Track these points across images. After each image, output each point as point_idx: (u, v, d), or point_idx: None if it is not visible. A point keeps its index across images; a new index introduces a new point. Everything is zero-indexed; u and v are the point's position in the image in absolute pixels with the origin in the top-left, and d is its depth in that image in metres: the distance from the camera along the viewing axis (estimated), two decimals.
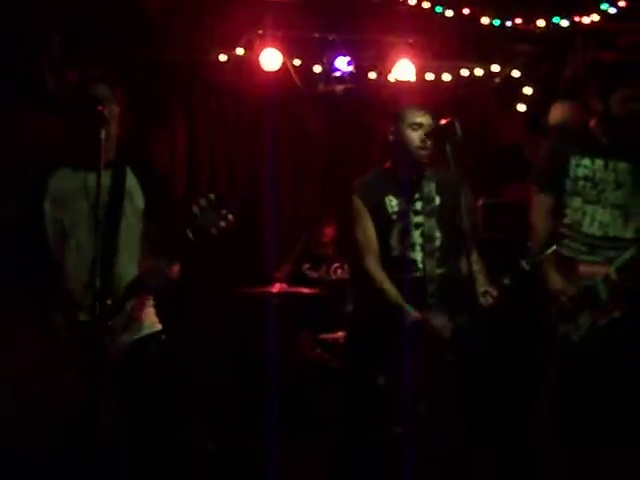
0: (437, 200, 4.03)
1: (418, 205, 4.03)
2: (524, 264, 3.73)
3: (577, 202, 3.94)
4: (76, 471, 3.31)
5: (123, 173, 3.46)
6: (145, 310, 3.54)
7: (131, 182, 3.48)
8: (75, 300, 3.36)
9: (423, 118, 3.99)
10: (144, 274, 3.41)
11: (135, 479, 3.40)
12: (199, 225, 3.21)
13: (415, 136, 3.97)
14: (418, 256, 3.99)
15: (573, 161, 3.93)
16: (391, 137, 4.07)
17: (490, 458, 4.57)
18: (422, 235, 4.00)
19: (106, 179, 3.37)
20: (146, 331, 3.52)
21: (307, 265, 6.24)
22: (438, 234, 4.01)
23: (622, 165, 3.91)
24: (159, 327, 3.60)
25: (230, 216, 3.23)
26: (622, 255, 3.86)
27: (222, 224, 3.22)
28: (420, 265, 3.98)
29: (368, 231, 4.03)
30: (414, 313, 3.86)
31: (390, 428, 3.90)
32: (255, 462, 4.95)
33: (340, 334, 5.67)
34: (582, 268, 3.89)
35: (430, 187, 4.03)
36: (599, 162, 3.91)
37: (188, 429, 5.17)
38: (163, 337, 3.57)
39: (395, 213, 4.01)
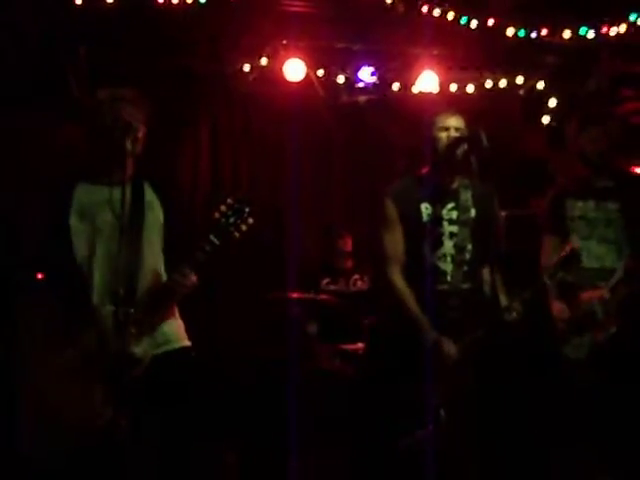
0: (472, 211, 3.97)
1: (453, 214, 3.97)
2: (545, 278, 3.90)
3: (575, 240, 4.24)
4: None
5: (142, 188, 3.53)
6: (173, 323, 3.55)
7: (150, 196, 3.55)
8: (100, 309, 3.38)
9: (452, 120, 3.96)
10: (166, 285, 3.43)
11: None
12: (222, 229, 3.31)
13: (445, 137, 3.94)
14: (449, 268, 3.94)
15: (569, 204, 4.32)
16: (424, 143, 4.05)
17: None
18: (455, 246, 3.94)
19: (127, 192, 3.41)
20: (173, 345, 3.52)
21: (326, 280, 6.20)
22: (470, 246, 3.95)
23: (610, 205, 4.27)
24: (188, 343, 3.60)
25: (251, 219, 3.34)
26: (613, 277, 4.16)
27: (244, 227, 3.33)
28: (449, 277, 3.93)
29: (396, 239, 3.98)
30: (432, 335, 3.83)
31: (409, 439, 3.86)
32: (275, 473, 4.93)
33: (360, 345, 5.63)
34: (583, 295, 4.20)
35: (467, 196, 3.97)
36: (590, 203, 4.30)
37: (209, 440, 5.16)
38: (193, 354, 3.59)
39: (430, 221, 3.95)
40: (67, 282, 3.46)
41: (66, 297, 3.44)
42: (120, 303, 3.28)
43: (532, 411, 4.67)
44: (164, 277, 3.50)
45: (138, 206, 3.48)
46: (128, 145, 3.39)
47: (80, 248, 3.45)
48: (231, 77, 6.44)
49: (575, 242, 4.18)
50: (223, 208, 3.34)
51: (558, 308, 4.26)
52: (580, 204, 4.33)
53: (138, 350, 3.34)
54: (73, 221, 3.47)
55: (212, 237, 3.32)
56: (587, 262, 4.24)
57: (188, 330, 3.66)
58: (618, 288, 4.16)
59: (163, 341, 3.47)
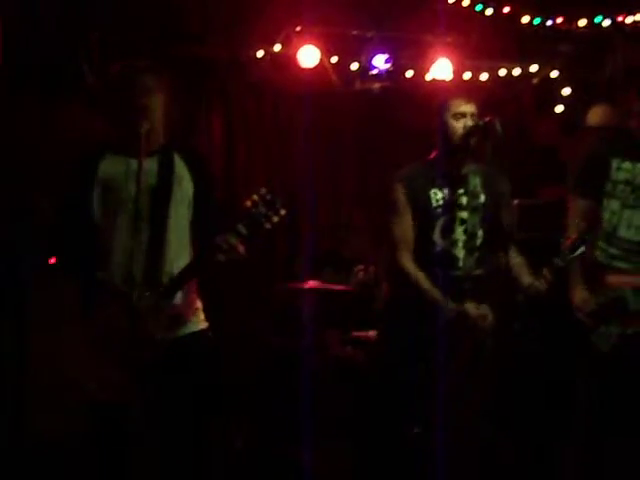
0: (482, 197, 3.96)
1: (463, 200, 3.96)
2: (558, 261, 3.69)
3: (615, 205, 3.94)
4: (106, 460, 3.35)
5: (171, 159, 3.42)
6: (192, 306, 3.49)
7: (180, 168, 3.43)
8: (120, 285, 3.31)
9: (467, 107, 3.93)
10: (195, 262, 3.34)
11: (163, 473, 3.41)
12: (253, 220, 3.19)
13: (459, 125, 3.91)
14: (460, 253, 3.94)
15: (614, 164, 3.92)
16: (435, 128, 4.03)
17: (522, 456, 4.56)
18: (465, 232, 3.94)
19: (153, 164, 3.36)
20: (192, 328, 3.46)
21: (328, 269, 6.18)
22: (480, 232, 3.95)
23: None
24: (205, 325, 3.53)
25: (283, 211, 3.21)
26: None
27: (275, 219, 3.20)
28: (460, 263, 3.93)
29: (406, 225, 3.97)
30: (453, 307, 3.83)
31: (421, 426, 3.86)
32: (284, 460, 4.95)
33: (372, 333, 5.63)
34: (611, 278, 3.88)
35: (476, 182, 3.96)
36: (639, 166, 3.91)
37: (218, 426, 5.18)
38: (210, 334, 3.52)
39: (440, 207, 3.95)
40: (88, 261, 3.39)
41: (86, 276, 3.38)
42: (136, 286, 3.23)
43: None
44: (189, 253, 3.43)
45: (166, 179, 3.38)
46: (141, 117, 3.30)
47: (102, 222, 3.37)
48: (245, 63, 6.42)
49: (615, 208, 3.90)
50: (255, 197, 3.20)
51: (580, 298, 3.93)
52: (628, 165, 3.92)
53: (159, 336, 3.28)
54: (97, 193, 3.37)
55: (240, 227, 3.19)
56: (624, 232, 3.91)
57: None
58: None
59: (182, 322, 3.41)
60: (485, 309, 3.83)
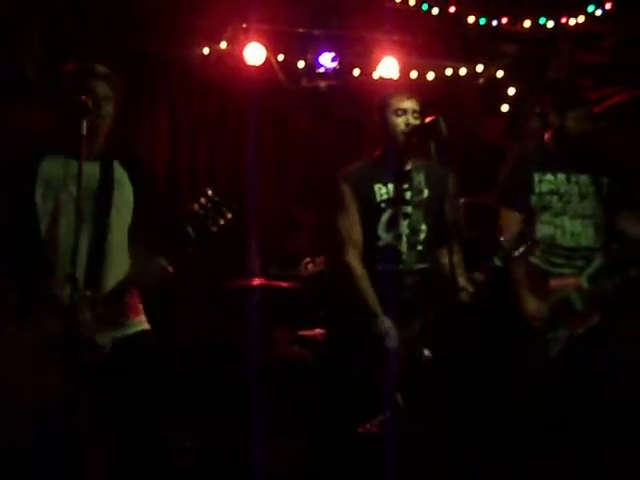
0: (426, 192, 3.99)
1: (407, 195, 3.99)
2: (496, 260, 3.74)
3: (546, 216, 4.17)
4: (51, 467, 3.27)
5: (111, 165, 3.44)
6: (134, 307, 3.49)
7: (119, 174, 3.45)
8: (61, 287, 3.29)
9: (408, 103, 3.95)
10: (137, 272, 3.36)
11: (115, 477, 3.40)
12: (199, 222, 3.23)
13: (400, 121, 3.93)
14: (403, 247, 3.96)
15: (536, 178, 4.19)
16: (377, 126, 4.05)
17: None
18: (409, 226, 3.96)
19: (95, 169, 3.37)
20: (134, 329, 3.47)
21: (273, 267, 6.16)
22: (424, 227, 3.98)
23: (583, 177, 4.19)
24: (148, 326, 3.54)
25: (229, 214, 3.29)
26: (592, 264, 4.07)
27: (221, 221, 3.28)
28: (404, 257, 3.95)
29: (352, 221, 3.98)
30: (385, 325, 3.83)
31: (369, 422, 3.86)
32: (234, 459, 4.92)
33: (318, 331, 5.63)
34: (553, 282, 4.08)
35: (419, 178, 3.98)
36: (561, 176, 4.19)
37: (168, 427, 5.13)
38: (153, 337, 3.54)
39: (384, 201, 3.97)
40: (28, 262, 3.36)
41: (25, 278, 3.35)
42: (78, 286, 3.18)
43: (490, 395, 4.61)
44: (134, 263, 3.42)
45: (106, 184, 3.39)
46: (94, 120, 3.31)
47: (44, 223, 3.35)
48: (190, 61, 6.37)
49: (546, 218, 4.12)
50: (203, 200, 3.25)
51: (534, 306, 4.11)
52: (549, 177, 4.19)
53: (101, 338, 3.28)
54: (38, 195, 3.36)
55: (189, 229, 3.23)
56: (561, 239, 4.13)
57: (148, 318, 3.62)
58: (599, 279, 4.04)
59: (124, 325, 3.42)
60: (413, 331, 3.81)
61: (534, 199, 4.18)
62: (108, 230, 3.37)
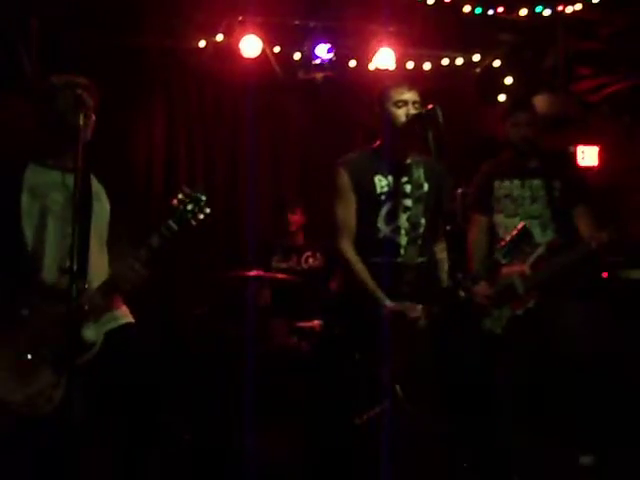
0: (425, 186, 3.96)
1: (407, 188, 3.95)
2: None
3: (500, 218, 4.60)
4: (46, 463, 3.34)
5: (88, 178, 3.55)
6: (116, 301, 3.57)
7: (96, 187, 3.58)
8: (49, 288, 3.38)
9: (408, 94, 3.91)
10: (117, 276, 3.45)
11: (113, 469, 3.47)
12: (180, 217, 3.41)
13: (401, 113, 3.89)
14: (403, 241, 3.93)
15: (496, 184, 4.63)
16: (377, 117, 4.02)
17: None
18: (408, 220, 3.93)
19: (73, 180, 3.42)
20: (120, 321, 3.55)
21: (276, 257, 6.16)
22: (423, 221, 3.95)
23: (536, 182, 4.56)
24: (132, 319, 3.63)
25: (208, 209, 3.47)
26: (534, 253, 4.42)
27: (201, 215, 3.46)
28: (402, 251, 3.92)
29: (349, 210, 3.94)
30: (388, 304, 3.83)
31: (366, 413, 3.86)
32: (230, 450, 4.92)
33: (316, 322, 5.63)
34: (504, 269, 4.35)
35: (419, 172, 3.96)
36: (516, 182, 4.59)
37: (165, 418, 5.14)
38: (136, 328, 3.62)
39: (384, 194, 3.92)
40: (15, 263, 3.43)
41: (12, 279, 3.42)
42: (73, 278, 3.21)
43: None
44: (107, 270, 3.54)
45: (86, 195, 3.50)
46: (82, 129, 3.35)
47: (30, 227, 3.44)
48: (186, 53, 6.38)
49: (500, 220, 4.54)
50: (181, 196, 3.44)
51: (480, 286, 4.35)
52: (506, 184, 4.62)
53: (90, 334, 3.37)
54: (24, 200, 3.45)
55: (171, 222, 3.41)
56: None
57: (144, 311, 3.67)
58: (539, 264, 4.42)
59: (107, 319, 3.50)
60: (419, 311, 3.82)
61: (494, 204, 4.63)
62: (90, 234, 3.48)
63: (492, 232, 4.62)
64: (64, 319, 3.20)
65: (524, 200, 4.57)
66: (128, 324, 3.59)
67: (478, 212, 4.71)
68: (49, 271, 3.40)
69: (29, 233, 3.43)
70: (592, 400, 4.45)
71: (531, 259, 4.43)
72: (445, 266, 4.00)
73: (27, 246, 3.43)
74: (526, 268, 4.43)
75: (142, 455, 3.52)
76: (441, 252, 4.02)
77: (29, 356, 3.32)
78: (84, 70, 5.62)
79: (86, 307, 3.33)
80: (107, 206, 3.61)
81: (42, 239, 3.43)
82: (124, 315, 3.60)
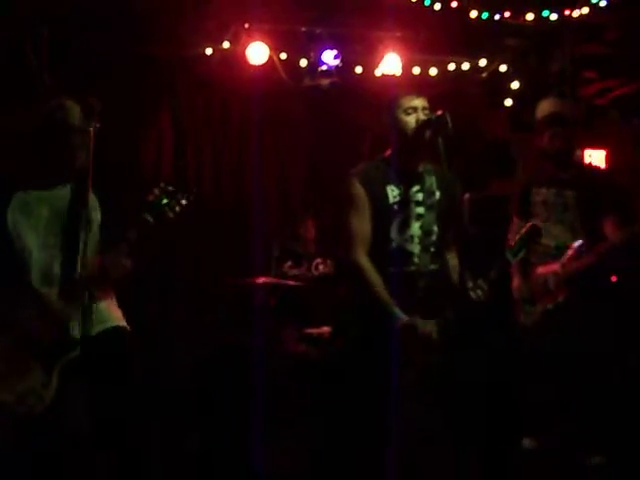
0: (437, 194, 3.96)
1: (420, 196, 3.95)
2: (509, 256, 4.04)
3: (536, 222, 4.48)
4: (44, 470, 3.42)
5: (84, 189, 3.59)
6: (109, 305, 3.68)
7: (91, 199, 3.61)
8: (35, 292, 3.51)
9: (417, 101, 3.91)
10: (101, 266, 3.54)
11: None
12: (156, 209, 3.57)
13: (411, 120, 3.89)
14: (416, 249, 3.93)
15: (534, 191, 4.91)
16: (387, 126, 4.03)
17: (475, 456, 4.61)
18: (421, 228, 3.94)
19: (66, 192, 3.63)
20: (110, 324, 3.63)
21: (288, 263, 6.15)
22: (436, 229, 3.95)
23: (569, 193, 4.81)
24: (124, 324, 3.72)
25: (184, 201, 3.64)
26: (565, 254, 4.73)
27: (177, 208, 3.62)
28: (416, 259, 3.92)
29: (364, 221, 3.93)
30: (402, 317, 3.82)
31: (375, 424, 3.86)
32: (240, 458, 4.92)
33: (325, 329, 5.62)
34: (539, 269, 4.80)
35: (431, 180, 3.95)
36: (552, 190, 4.86)
37: (171, 428, 5.14)
38: (127, 333, 3.70)
39: (397, 203, 3.92)
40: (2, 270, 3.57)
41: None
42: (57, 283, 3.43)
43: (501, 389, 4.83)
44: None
45: (77, 206, 3.59)
46: (77, 148, 3.58)
47: (17, 240, 3.58)
48: (193, 61, 6.39)
49: (535, 222, 4.46)
50: (156, 191, 3.60)
51: (516, 282, 4.89)
52: (543, 191, 4.88)
53: (76, 332, 3.45)
54: (10, 214, 3.59)
55: (146, 216, 3.56)
56: (545, 240, 4.68)
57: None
58: (568, 263, 4.70)
59: (98, 320, 3.56)
60: (432, 325, 3.83)
61: (531, 207, 4.91)
62: (78, 247, 3.56)
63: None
64: (51, 318, 3.40)
65: (556, 207, 4.85)
66: (118, 327, 3.66)
67: (517, 216, 4.97)
68: (35, 277, 3.54)
69: (17, 245, 3.58)
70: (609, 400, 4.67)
71: (563, 259, 4.72)
72: (456, 273, 4.00)
73: (15, 257, 3.56)
74: (558, 267, 4.73)
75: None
76: (453, 259, 4.02)
77: (18, 355, 3.41)
78: (93, 77, 5.71)
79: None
80: (98, 216, 3.68)
81: (28, 252, 3.57)
82: (116, 319, 3.69)
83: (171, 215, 3.60)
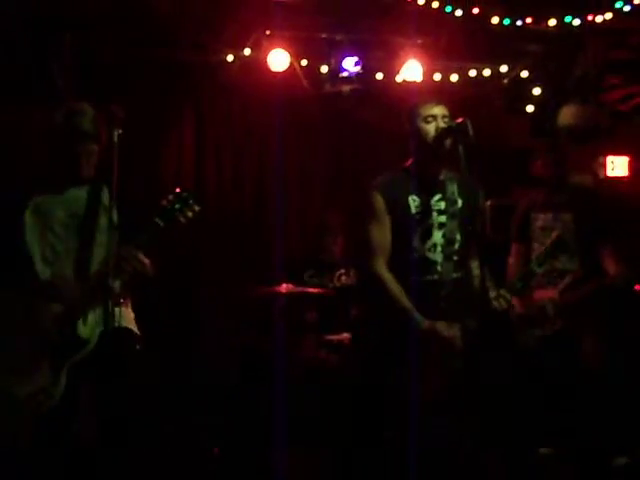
0: (459, 202, 3.96)
1: (442, 205, 3.96)
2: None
3: (535, 247, 4.98)
4: (55, 470, 3.52)
5: (99, 191, 3.75)
6: (125, 308, 3.78)
7: (107, 200, 3.67)
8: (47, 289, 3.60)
9: (437, 109, 3.92)
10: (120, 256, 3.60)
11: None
12: (168, 214, 3.65)
13: (431, 128, 3.90)
14: (438, 258, 3.93)
15: (533, 216, 5.07)
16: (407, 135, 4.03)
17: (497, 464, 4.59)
18: (444, 236, 3.94)
19: (82, 194, 3.72)
20: (124, 323, 3.72)
21: (310, 272, 6.13)
22: (458, 237, 3.95)
23: (566, 216, 4.94)
24: (134, 327, 3.82)
25: (197, 207, 3.71)
26: (563, 281, 4.87)
27: (189, 214, 3.69)
28: (439, 268, 3.92)
29: (385, 231, 3.94)
30: (423, 322, 3.81)
31: (396, 432, 3.85)
32: (259, 463, 4.92)
33: (345, 335, 5.61)
34: (537, 293, 4.89)
35: (453, 188, 3.95)
36: (549, 214, 5.01)
37: (192, 431, 5.15)
38: (138, 347, 3.77)
39: (419, 213, 3.94)
40: (17, 271, 3.66)
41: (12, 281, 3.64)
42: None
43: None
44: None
45: (93, 208, 3.71)
46: (80, 155, 3.70)
47: (32, 243, 3.66)
48: (215, 67, 6.41)
49: (535, 248, 4.93)
50: (170, 197, 3.68)
51: (514, 305, 4.79)
52: (541, 216, 5.05)
53: (85, 332, 3.56)
54: (27, 217, 3.68)
55: (157, 219, 3.64)
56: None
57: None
58: (566, 292, 4.85)
59: (115, 318, 3.57)
60: (456, 329, 3.81)
61: (531, 234, 5.08)
62: (92, 250, 3.68)
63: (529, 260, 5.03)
64: (60, 317, 3.51)
65: (554, 231, 4.85)
66: (126, 329, 3.74)
67: (518, 241, 5.14)
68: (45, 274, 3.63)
69: (31, 248, 3.66)
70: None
71: (560, 286, 4.86)
72: (478, 282, 3.99)
73: (29, 260, 3.65)
74: (556, 294, 4.85)
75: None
76: (476, 268, 4.01)
77: (31, 353, 3.52)
78: (115, 84, 5.74)
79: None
80: (115, 219, 3.68)
81: (43, 255, 3.66)
82: (127, 321, 3.77)
83: (182, 220, 3.68)
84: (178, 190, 3.72)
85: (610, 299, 4.96)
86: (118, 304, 3.65)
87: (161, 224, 3.64)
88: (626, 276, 4.89)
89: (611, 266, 4.86)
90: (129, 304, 3.86)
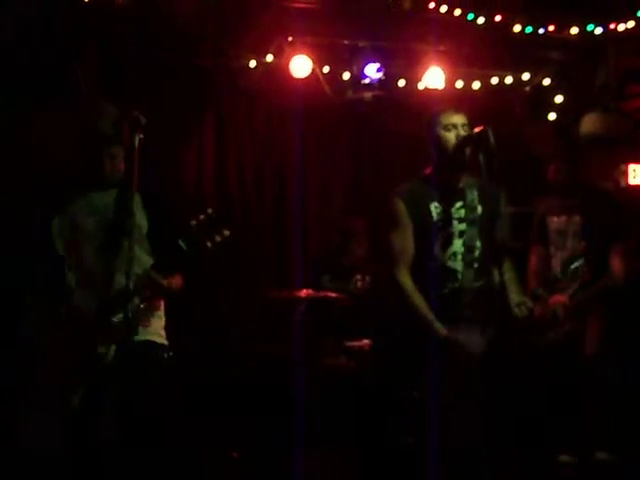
0: (479, 209, 3.96)
1: (462, 212, 3.96)
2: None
3: (552, 249, 5.24)
4: (80, 470, 3.57)
5: (128, 195, 3.60)
6: (153, 319, 3.75)
7: (135, 204, 3.61)
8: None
9: (457, 118, 3.94)
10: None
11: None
12: (194, 237, 3.53)
13: (451, 137, 3.91)
14: (459, 266, 3.94)
15: (549, 220, 5.28)
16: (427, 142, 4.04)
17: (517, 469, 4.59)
18: (464, 244, 3.94)
19: (110, 199, 3.70)
20: (151, 337, 3.71)
21: (327, 276, 6.12)
22: (479, 244, 3.95)
23: (576, 218, 5.14)
24: (165, 342, 3.78)
25: (226, 231, 3.58)
26: (571, 286, 5.00)
27: (218, 238, 3.55)
28: (459, 276, 3.93)
29: (407, 239, 3.95)
30: (443, 331, 3.81)
31: (415, 438, 3.85)
32: (280, 469, 4.93)
33: (365, 342, 5.61)
34: (550, 300, 5.00)
35: (473, 195, 3.96)
36: (563, 217, 5.22)
37: (211, 437, 5.17)
38: (169, 354, 3.78)
39: (441, 220, 3.94)
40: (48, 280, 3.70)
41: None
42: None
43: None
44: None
45: (121, 213, 3.63)
46: (104, 156, 3.68)
47: (60, 249, 3.69)
48: (237, 73, 6.43)
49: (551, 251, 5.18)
50: (201, 217, 3.56)
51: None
52: (555, 219, 5.27)
53: (101, 348, 3.54)
54: (55, 224, 3.70)
55: (181, 242, 3.53)
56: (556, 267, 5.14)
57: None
58: (575, 295, 4.98)
59: (143, 331, 3.67)
60: (476, 337, 3.82)
61: (548, 235, 5.28)
62: (120, 255, 3.61)
63: (549, 262, 5.27)
64: (81, 335, 3.51)
65: (568, 234, 5.19)
66: (153, 342, 3.73)
67: (537, 244, 5.35)
68: (78, 292, 3.65)
69: (62, 254, 3.69)
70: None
71: (570, 291, 4.99)
72: (514, 286, 4.03)
73: (58, 265, 3.68)
74: (566, 299, 4.99)
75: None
76: (508, 272, 4.01)
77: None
78: (138, 89, 5.77)
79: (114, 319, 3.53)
80: (144, 223, 3.74)
81: (71, 261, 3.68)
82: (150, 332, 3.74)
83: (209, 245, 3.56)
84: (210, 211, 3.60)
85: (611, 299, 5.06)
86: (141, 323, 3.67)
87: (184, 248, 3.54)
88: (627, 275, 4.97)
89: (616, 266, 4.97)
90: (161, 307, 3.82)
